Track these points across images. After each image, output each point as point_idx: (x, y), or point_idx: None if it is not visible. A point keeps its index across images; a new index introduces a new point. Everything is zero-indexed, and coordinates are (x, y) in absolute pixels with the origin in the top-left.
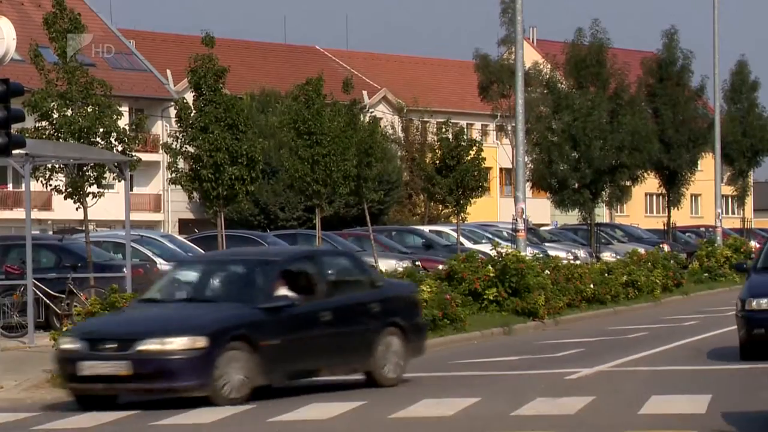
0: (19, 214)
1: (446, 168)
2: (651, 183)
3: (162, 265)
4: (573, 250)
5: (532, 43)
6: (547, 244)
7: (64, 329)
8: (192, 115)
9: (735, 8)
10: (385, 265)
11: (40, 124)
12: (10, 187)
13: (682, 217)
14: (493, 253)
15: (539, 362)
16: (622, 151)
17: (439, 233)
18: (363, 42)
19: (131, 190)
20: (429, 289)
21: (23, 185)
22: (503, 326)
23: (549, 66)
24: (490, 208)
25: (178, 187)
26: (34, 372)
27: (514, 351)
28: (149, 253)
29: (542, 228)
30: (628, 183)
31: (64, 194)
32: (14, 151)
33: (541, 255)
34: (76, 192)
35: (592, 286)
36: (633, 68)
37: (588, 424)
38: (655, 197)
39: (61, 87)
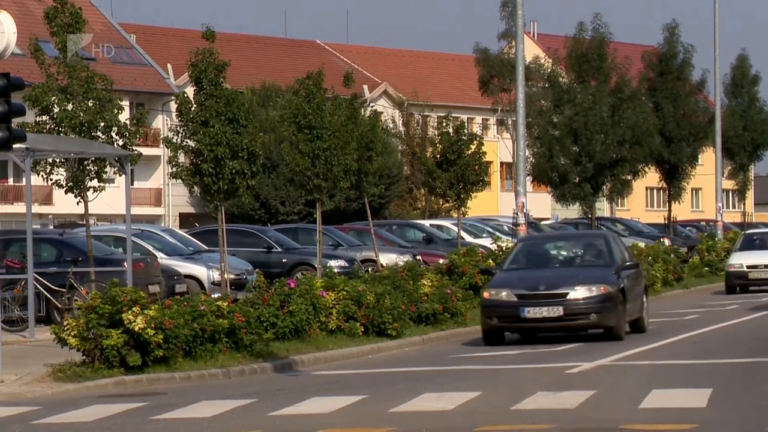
0: (19, 208)
1: (447, 162)
2: (652, 177)
3: (162, 259)
4: None
5: (533, 38)
6: None
7: None
8: (192, 109)
9: (736, 2)
10: (386, 259)
11: (40, 119)
12: (10, 181)
13: (682, 211)
14: (493, 247)
15: (540, 356)
16: (623, 145)
17: (439, 227)
18: (363, 36)
19: (132, 184)
20: (429, 284)
21: (24, 179)
22: None
23: (550, 60)
24: (491, 202)
25: (179, 181)
26: (35, 366)
27: (514, 345)
28: (150, 248)
29: (543, 222)
30: (628, 177)
31: (64, 188)
32: (15, 146)
33: None
34: (76, 186)
35: None
36: (634, 62)
37: (588, 418)
38: (655, 191)
39: (61, 81)
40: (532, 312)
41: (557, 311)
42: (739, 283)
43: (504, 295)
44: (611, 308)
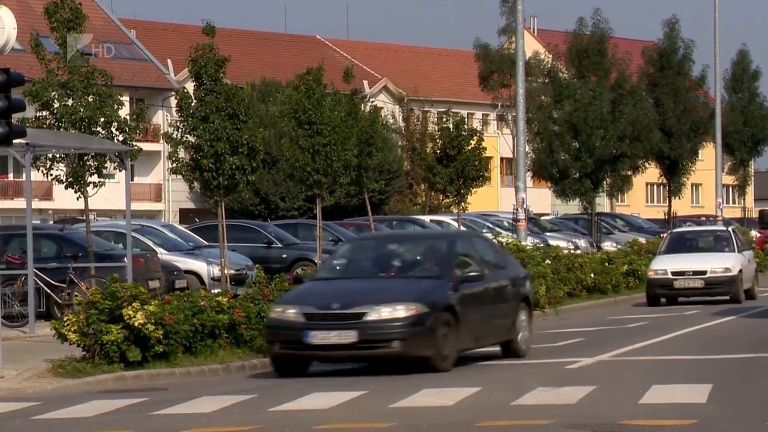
0: (19, 203)
1: (447, 158)
2: (652, 172)
3: (162, 254)
4: (574, 240)
5: (533, 33)
6: (547, 233)
7: None
8: (192, 104)
9: None
10: None
11: (40, 114)
12: (10, 176)
13: (682, 206)
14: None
15: (540, 352)
16: (623, 140)
17: (439, 223)
18: (363, 31)
19: (132, 179)
20: None
21: (24, 175)
22: None
23: (550, 56)
24: (491, 197)
25: (179, 176)
26: (35, 361)
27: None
28: (150, 243)
29: (543, 217)
30: (629, 172)
31: (64, 184)
32: (15, 141)
33: (542, 244)
34: (76, 182)
35: (592, 275)
36: (634, 58)
37: (588, 413)
38: (655, 187)
39: (62, 77)
40: (318, 337)
41: (350, 336)
42: (664, 293)
43: (291, 314)
44: (423, 334)
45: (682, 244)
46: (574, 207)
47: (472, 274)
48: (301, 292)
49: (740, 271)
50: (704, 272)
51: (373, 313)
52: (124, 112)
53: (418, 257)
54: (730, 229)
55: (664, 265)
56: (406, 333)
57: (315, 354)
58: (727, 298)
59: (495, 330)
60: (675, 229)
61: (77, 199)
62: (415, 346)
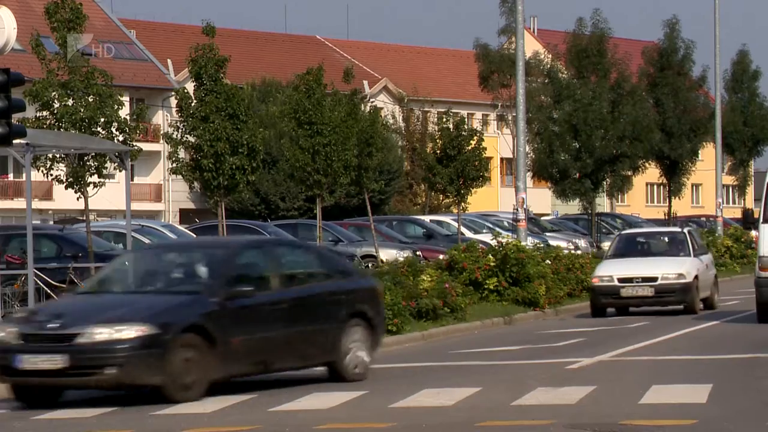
0: (19, 203)
1: (447, 158)
2: (652, 173)
3: None
4: (574, 240)
5: (533, 33)
6: (547, 233)
7: None
8: (193, 104)
9: None
10: (386, 254)
11: (41, 114)
12: (10, 176)
13: (682, 206)
14: (493, 242)
15: (540, 352)
16: (623, 140)
17: (439, 223)
18: (364, 31)
19: (132, 179)
20: (429, 279)
21: (24, 175)
22: (504, 316)
23: (550, 56)
24: (491, 197)
25: (179, 176)
26: None
27: (514, 340)
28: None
29: (543, 218)
30: (629, 173)
31: (65, 184)
32: (15, 141)
33: (542, 245)
34: (77, 182)
35: None
36: (634, 58)
37: (589, 413)
38: (655, 187)
39: (62, 77)
40: (29, 361)
41: (59, 361)
42: (610, 303)
43: (11, 333)
44: (149, 359)
45: (632, 248)
46: (574, 207)
47: (244, 289)
48: (40, 308)
49: (696, 277)
50: (655, 279)
51: (87, 334)
52: (124, 112)
53: (188, 270)
54: (685, 230)
55: (610, 270)
56: (124, 358)
57: (27, 381)
58: (681, 308)
59: (300, 351)
60: (624, 231)
61: (77, 199)
62: (137, 373)
